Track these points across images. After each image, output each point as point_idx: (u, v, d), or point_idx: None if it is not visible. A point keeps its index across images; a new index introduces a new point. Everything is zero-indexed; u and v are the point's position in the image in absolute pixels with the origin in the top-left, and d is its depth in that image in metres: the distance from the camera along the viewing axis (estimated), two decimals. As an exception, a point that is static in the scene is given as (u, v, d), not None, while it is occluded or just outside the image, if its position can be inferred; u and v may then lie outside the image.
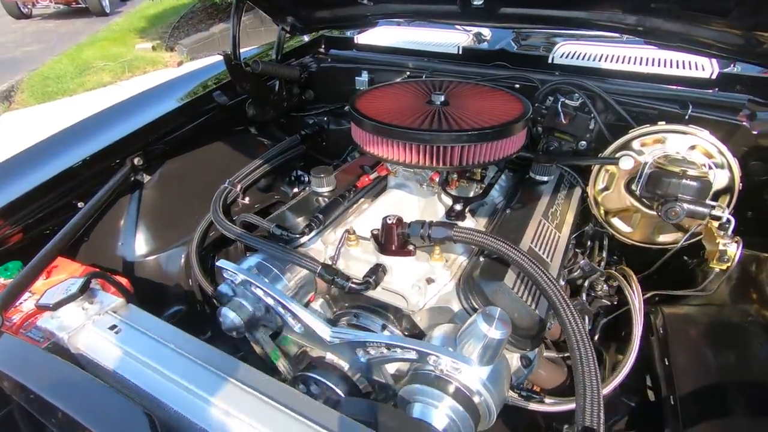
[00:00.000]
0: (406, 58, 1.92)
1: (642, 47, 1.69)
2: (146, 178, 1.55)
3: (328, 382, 1.05)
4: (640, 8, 1.26)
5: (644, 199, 1.27)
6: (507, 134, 1.15)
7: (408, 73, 1.84)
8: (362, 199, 1.46)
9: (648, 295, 1.26)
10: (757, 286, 1.09)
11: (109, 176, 1.42)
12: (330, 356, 1.15)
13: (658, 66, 1.58)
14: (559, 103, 1.50)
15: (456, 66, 1.78)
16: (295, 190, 1.99)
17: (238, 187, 1.65)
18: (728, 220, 1.08)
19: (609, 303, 1.40)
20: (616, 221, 1.46)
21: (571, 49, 1.72)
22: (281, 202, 1.84)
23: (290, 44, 2.27)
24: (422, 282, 1.14)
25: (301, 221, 1.31)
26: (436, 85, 1.38)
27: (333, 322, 1.32)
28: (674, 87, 1.51)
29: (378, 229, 1.23)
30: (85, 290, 0.91)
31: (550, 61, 1.68)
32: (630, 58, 1.64)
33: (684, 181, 1.11)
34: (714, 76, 1.49)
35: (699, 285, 1.30)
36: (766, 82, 1.46)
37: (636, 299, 1.22)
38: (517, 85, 1.63)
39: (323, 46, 2.27)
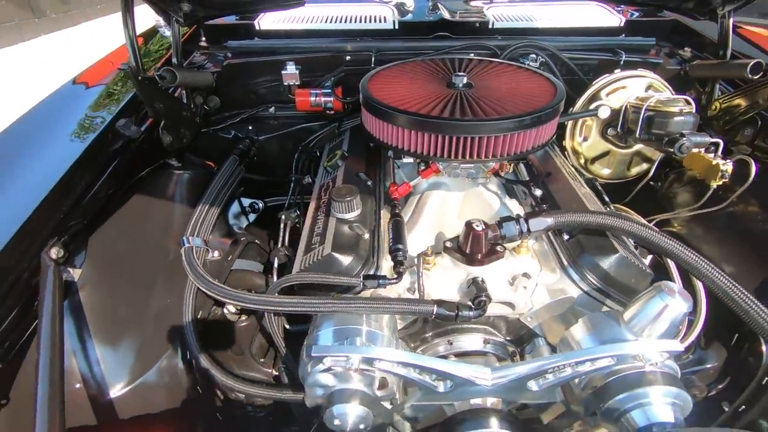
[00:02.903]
0: (335, 40, 1.66)
1: (558, 3, 1.83)
2: (74, 273, 1.00)
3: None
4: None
5: (641, 141, 1.40)
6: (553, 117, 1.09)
7: (348, 57, 1.60)
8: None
9: (654, 222, 1.44)
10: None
11: (21, 288, 0.87)
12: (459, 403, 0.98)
13: (579, 20, 1.74)
14: (526, 65, 1.52)
15: (400, 42, 1.62)
16: (246, 223, 1.59)
17: (199, 241, 1.23)
18: (717, 143, 1.29)
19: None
20: (595, 166, 1.60)
21: (501, 12, 1.75)
22: (253, 243, 1.45)
23: (159, 43, 1.73)
24: (523, 280, 1.05)
25: (353, 261, 1.04)
26: (454, 65, 1.24)
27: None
28: (598, 37, 1.69)
29: (451, 241, 1.08)
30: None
31: (491, 26, 1.67)
32: (552, 15, 1.75)
33: (684, 118, 1.26)
34: (622, 24, 1.72)
35: (670, 206, 1.54)
36: (660, 24, 1.75)
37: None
38: (472, 54, 1.59)
39: (204, 39, 1.80)
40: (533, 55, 1.57)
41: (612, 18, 1.73)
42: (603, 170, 1.60)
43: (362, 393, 0.87)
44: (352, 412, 0.85)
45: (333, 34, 1.68)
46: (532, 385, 0.88)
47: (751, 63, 1.25)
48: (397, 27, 1.67)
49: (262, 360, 1.22)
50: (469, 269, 1.05)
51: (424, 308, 0.92)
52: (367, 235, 1.11)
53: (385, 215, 1.26)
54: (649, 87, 1.47)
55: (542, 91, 1.13)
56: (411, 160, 1.22)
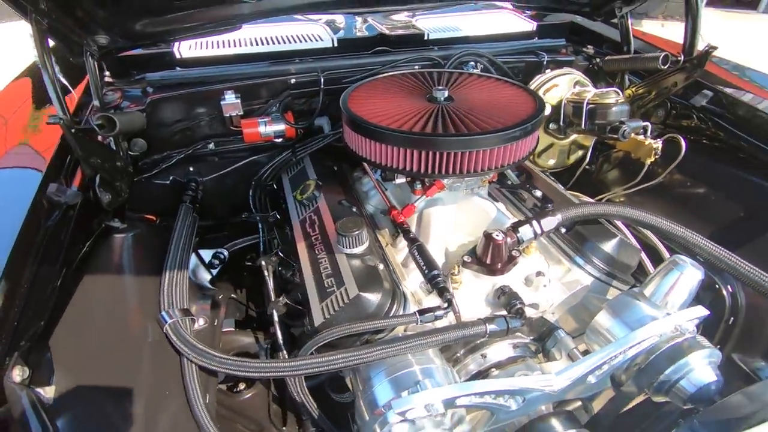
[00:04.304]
0: (271, 63, 1.54)
1: (474, 13, 1.93)
2: (46, 393, 0.76)
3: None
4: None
5: (584, 131, 1.54)
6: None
7: (293, 80, 1.50)
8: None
9: (604, 200, 1.61)
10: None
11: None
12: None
13: (498, 26, 1.86)
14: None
15: (345, 60, 1.56)
16: (209, 277, 1.39)
17: (180, 312, 1.05)
18: (646, 126, 1.48)
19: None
20: (541, 159, 1.73)
21: (429, 24, 1.79)
22: (232, 299, 1.27)
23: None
24: (541, 279, 1.09)
25: (382, 298, 0.97)
26: (430, 78, 1.23)
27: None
28: (518, 41, 1.83)
29: (468, 255, 1.07)
30: None
31: (426, 38, 1.71)
32: (474, 24, 1.85)
33: (621, 107, 1.42)
34: (535, 28, 1.89)
35: (605, 186, 1.74)
36: (561, 26, 1.96)
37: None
38: (417, 66, 1.60)
39: (107, 73, 1.53)
40: (472, 63, 1.64)
41: (525, 24, 1.89)
42: (549, 161, 1.74)
43: (442, 436, 0.82)
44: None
45: (268, 57, 1.56)
46: (591, 378, 0.91)
47: (662, 55, 1.46)
48: (336, 45, 1.60)
49: (284, 429, 1.07)
50: (493, 280, 1.05)
51: (477, 330, 0.90)
52: (381, 266, 1.05)
53: (381, 240, 1.21)
54: (576, 83, 1.64)
55: (520, 99, 1.18)
56: (402, 179, 1.18)
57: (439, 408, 0.77)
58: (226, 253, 1.39)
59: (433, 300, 1.05)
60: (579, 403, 1.10)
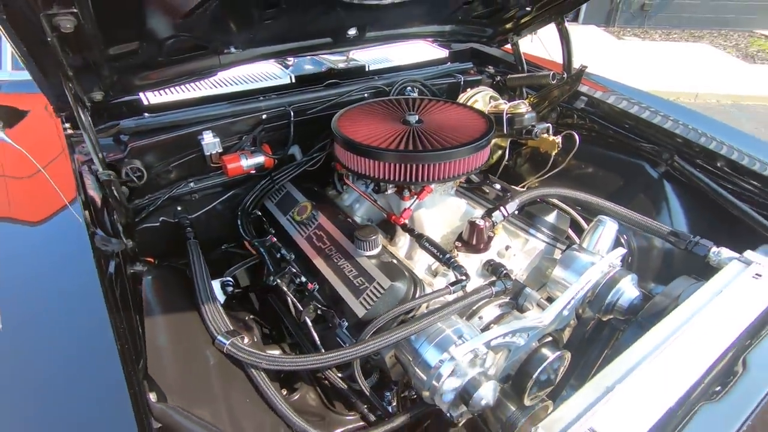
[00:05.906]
0: (239, 102, 1.67)
1: (396, 45, 2.26)
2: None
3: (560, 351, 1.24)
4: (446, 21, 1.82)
5: (506, 135, 1.94)
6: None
7: (265, 115, 1.65)
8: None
9: (526, 186, 2.04)
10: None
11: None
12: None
13: (419, 55, 2.21)
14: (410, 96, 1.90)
15: (308, 94, 1.75)
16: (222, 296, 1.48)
17: (230, 336, 1.18)
18: (549, 127, 1.94)
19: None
20: (473, 161, 2.11)
21: (365, 56, 2.07)
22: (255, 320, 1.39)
23: None
24: (510, 251, 1.43)
25: (408, 284, 1.21)
26: (404, 105, 1.50)
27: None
28: (437, 67, 2.20)
29: (458, 240, 1.36)
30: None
31: (367, 69, 1.98)
32: (399, 54, 2.18)
33: (532, 115, 1.85)
34: (447, 55, 2.28)
35: (520, 176, 2.19)
36: (464, 51, 2.39)
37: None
38: (366, 94, 1.86)
39: (68, 125, 1.52)
40: (409, 88, 1.96)
41: (439, 51, 2.28)
42: (478, 162, 2.13)
43: (482, 373, 1.08)
44: (487, 391, 1.05)
45: (237, 96, 1.68)
46: (565, 312, 1.26)
47: (551, 73, 1.94)
48: (294, 80, 1.79)
49: (342, 412, 1.24)
50: (480, 257, 1.36)
51: (486, 292, 1.19)
52: (395, 261, 1.29)
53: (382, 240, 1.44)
54: (490, 98, 2.06)
55: (471, 117, 1.52)
56: (392, 189, 1.43)
57: (483, 350, 1.04)
58: (232, 280, 1.49)
59: (440, 281, 1.32)
60: (551, 338, 1.45)
